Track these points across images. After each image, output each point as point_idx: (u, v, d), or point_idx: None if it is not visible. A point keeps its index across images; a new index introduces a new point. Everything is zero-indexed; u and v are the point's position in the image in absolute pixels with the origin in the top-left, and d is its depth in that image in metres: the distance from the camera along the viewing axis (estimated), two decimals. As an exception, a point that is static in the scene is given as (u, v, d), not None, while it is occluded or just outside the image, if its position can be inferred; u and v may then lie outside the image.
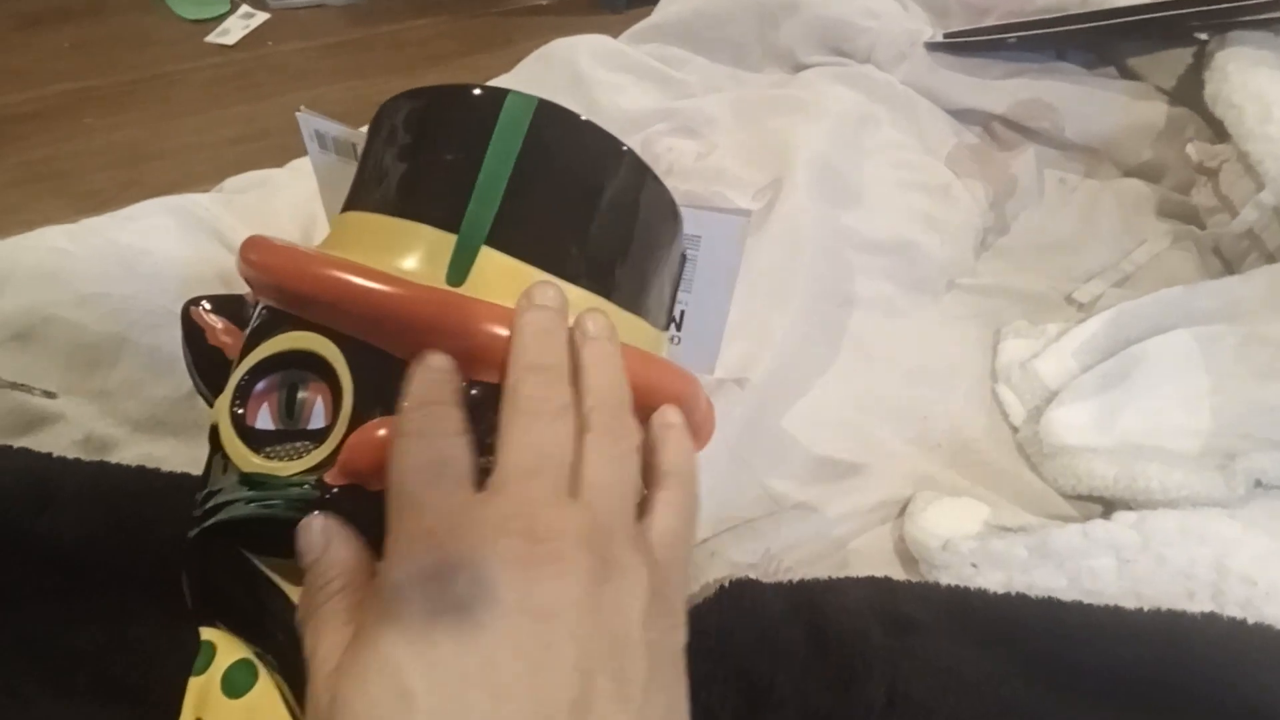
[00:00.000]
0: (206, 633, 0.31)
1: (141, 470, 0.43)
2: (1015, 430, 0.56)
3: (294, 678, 0.29)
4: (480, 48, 1.80)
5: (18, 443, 0.44)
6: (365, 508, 0.28)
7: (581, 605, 0.24)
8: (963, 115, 0.73)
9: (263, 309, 0.33)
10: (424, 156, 0.34)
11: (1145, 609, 0.41)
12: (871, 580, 0.45)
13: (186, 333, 0.36)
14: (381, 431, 0.28)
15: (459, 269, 0.31)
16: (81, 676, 0.37)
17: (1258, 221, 0.59)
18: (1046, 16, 0.72)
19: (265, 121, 1.48)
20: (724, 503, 0.50)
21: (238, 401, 0.32)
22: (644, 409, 0.31)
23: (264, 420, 0.31)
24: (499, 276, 0.31)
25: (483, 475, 0.27)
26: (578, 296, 0.32)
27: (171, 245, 0.54)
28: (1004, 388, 0.57)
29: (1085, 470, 0.50)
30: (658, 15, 0.78)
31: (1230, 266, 0.63)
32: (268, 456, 0.30)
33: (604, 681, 0.23)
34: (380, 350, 0.30)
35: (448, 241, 0.31)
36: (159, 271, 0.52)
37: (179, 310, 0.51)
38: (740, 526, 0.48)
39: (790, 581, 0.44)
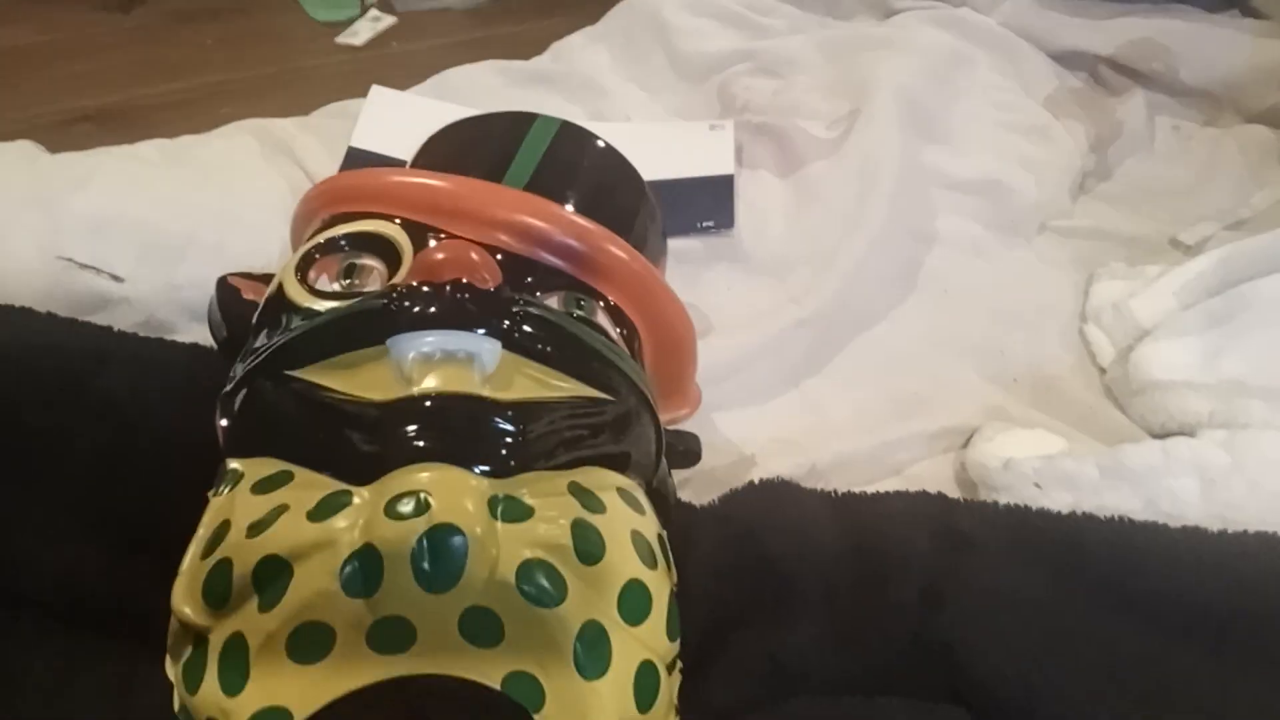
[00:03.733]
0: (232, 463, 0.31)
1: (195, 346, 0.44)
2: (1103, 371, 0.51)
3: (345, 440, 0.29)
4: (596, 50, 1.83)
5: (83, 319, 0.46)
6: (436, 291, 0.30)
7: None
8: (1067, 59, 0.69)
9: (327, 217, 0.38)
10: (470, 149, 0.41)
11: (1233, 531, 0.36)
12: (924, 495, 0.41)
13: (220, 295, 0.39)
14: (446, 247, 0.32)
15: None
16: (120, 524, 0.38)
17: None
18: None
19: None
20: (773, 422, 0.48)
21: (302, 265, 0.35)
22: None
23: (323, 284, 0.34)
24: None
25: None
26: None
27: (249, 160, 0.57)
28: (1093, 327, 0.53)
29: (1178, 406, 0.45)
30: (747, -38, 0.76)
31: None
32: (330, 298, 0.33)
33: None
34: (437, 230, 0.35)
35: None
36: (232, 180, 0.54)
37: (249, 216, 0.53)
38: (784, 440, 0.46)
39: (833, 491, 0.41)
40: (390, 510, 0.25)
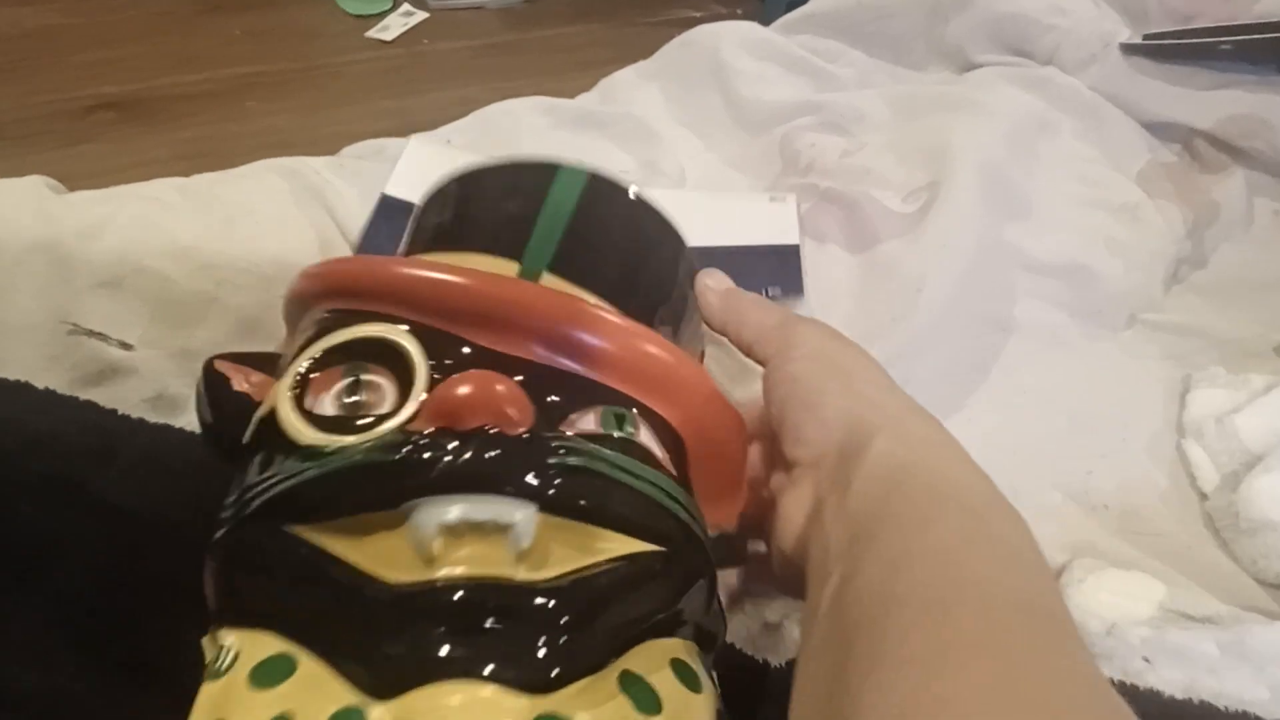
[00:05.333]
0: (225, 636, 0.27)
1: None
2: (1204, 497, 0.46)
3: (353, 631, 0.25)
4: (632, 56, 1.78)
5: (88, 393, 0.42)
6: (459, 444, 0.26)
7: None
8: (1160, 129, 0.64)
9: (324, 314, 0.33)
10: (485, 208, 0.36)
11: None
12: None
13: (207, 386, 0.34)
14: (470, 379, 0.27)
15: (531, 273, 0.33)
16: (115, 648, 0.35)
17: None
18: (1268, 21, 0.62)
19: (413, 116, 1.49)
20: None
21: (297, 386, 0.29)
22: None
23: (323, 408, 0.29)
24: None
25: None
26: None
27: (276, 206, 0.52)
28: (1193, 444, 0.48)
29: (1298, 554, 0.41)
30: (812, 4, 0.72)
31: None
32: (330, 430, 0.28)
33: None
34: (452, 334, 0.30)
35: (510, 267, 0.33)
36: (259, 231, 0.50)
37: (275, 274, 0.49)
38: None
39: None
40: None
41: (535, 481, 0.26)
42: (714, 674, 0.30)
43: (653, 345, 0.32)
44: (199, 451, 0.39)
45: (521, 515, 0.25)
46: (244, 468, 0.30)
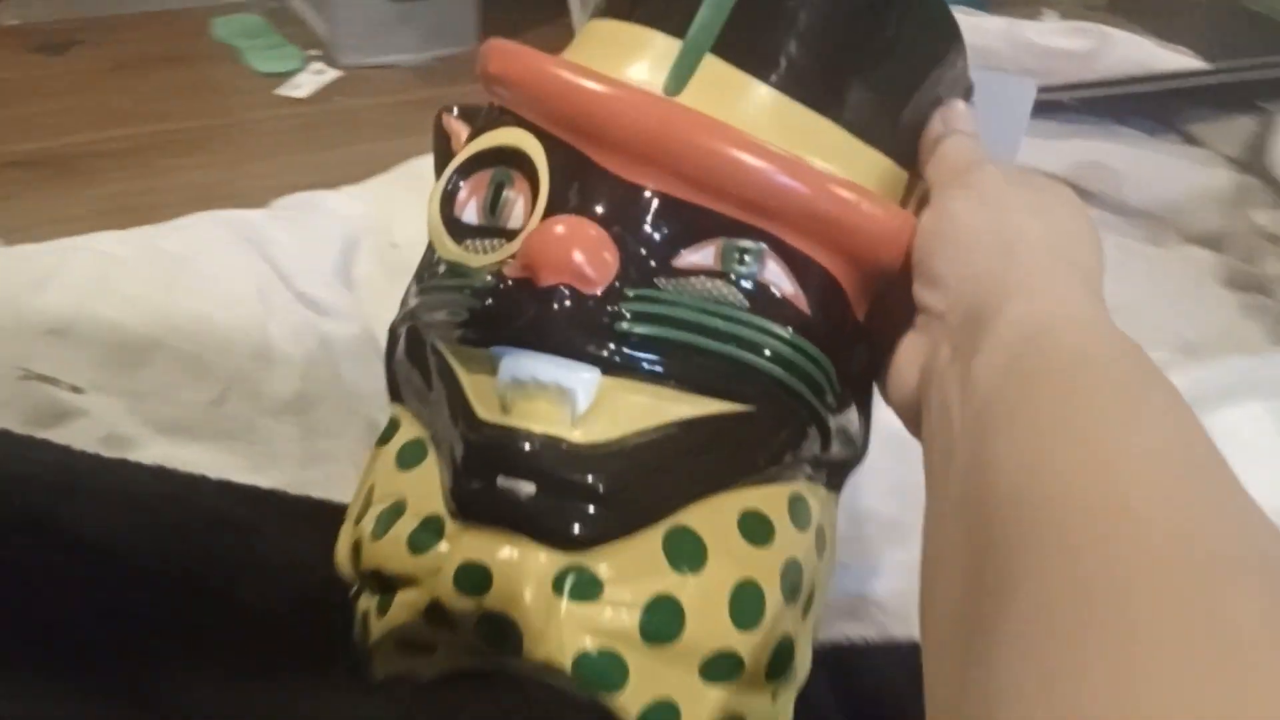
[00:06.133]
0: (394, 409, 0.34)
1: (161, 469, 0.43)
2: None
3: (450, 447, 0.29)
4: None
5: (42, 435, 0.44)
6: (531, 298, 0.27)
7: None
8: (1020, 174, 0.72)
9: (489, 109, 0.34)
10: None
11: None
12: (915, 645, 0.42)
13: (435, 138, 0.37)
14: (559, 228, 0.28)
15: (679, 77, 0.30)
16: (86, 676, 0.36)
17: (1331, 290, 0.57)
18: (1105, 79, 0.71)
19: (331, 171, 1.51)
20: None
21: (447, 190, 0.32)
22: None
23: (469, 214, 0.32)
24: (720, 87, 0.30)
25: None
26: (805, 119, 0.31)
27: (215, 256, 0.55)
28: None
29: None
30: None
31: (1302, 340, 0.60)
32: (467, 249, 0.31)
33: None
34: (581, 154, 0.30)
35: (675, 47, 0.31)
36: (201, 279, 0.53)
37: (218, 317, 0.51)
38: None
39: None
40: (458, 579, 0.27)
41: (597, 345, 0.27)
42: (834, 503, 0.33)
43: (786, 175, 0.28)
44: (153, 481, 0.42)
45: (582, 379, 0.27)
46: (424, 256, 0.34)
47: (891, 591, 0.46)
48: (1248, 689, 0.15)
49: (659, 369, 0.28)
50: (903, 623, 0.44)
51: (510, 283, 0.28)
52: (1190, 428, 0.21)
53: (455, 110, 0.36)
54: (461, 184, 0.32)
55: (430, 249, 0.33)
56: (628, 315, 0.28)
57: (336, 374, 0.50)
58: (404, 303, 0.34)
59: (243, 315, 0.51)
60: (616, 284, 0.28)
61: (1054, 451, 0.20)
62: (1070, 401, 0.21)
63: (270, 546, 0.40)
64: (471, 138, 0.33)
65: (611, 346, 0.28)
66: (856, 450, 0.33)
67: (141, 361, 0.49)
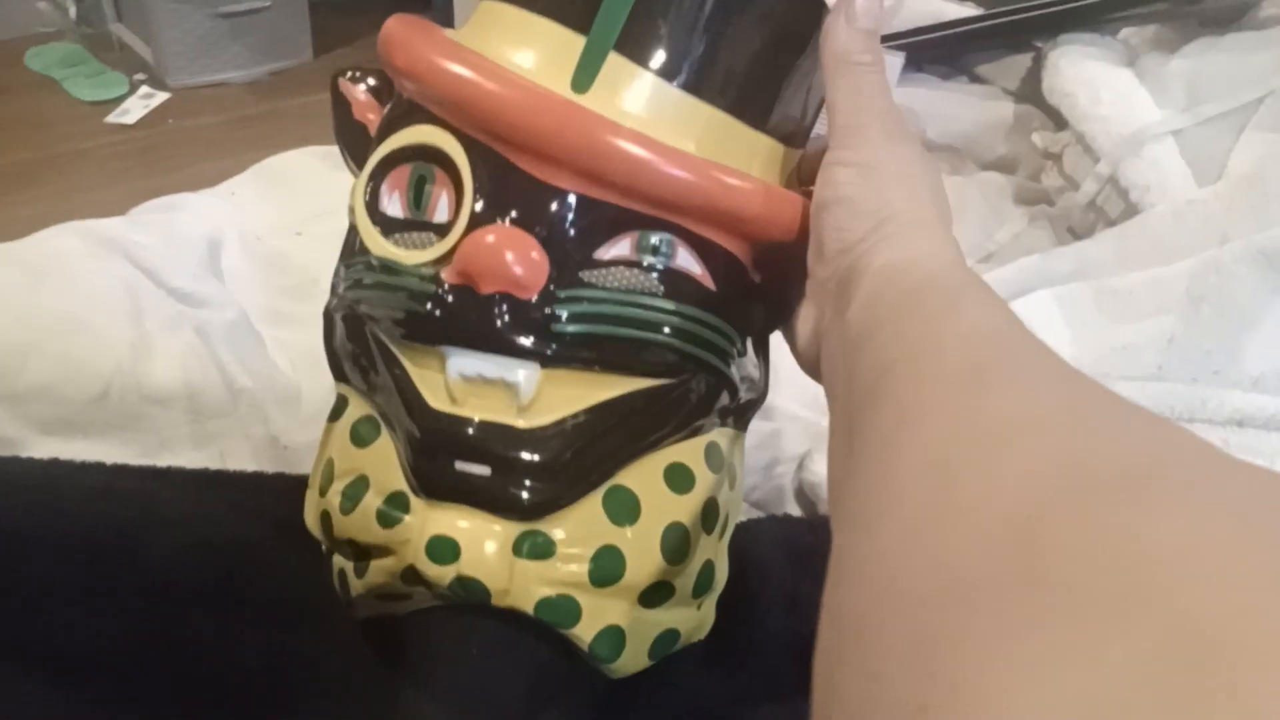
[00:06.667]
0: (340, 387, 0.36)
1: (54, 460, 0.44)
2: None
3: (403, 429, 0.32)
4: (386, 117, 1.84)
5: (-76, 442, 0.44)
6: (474, 305, 0.30)
7: None
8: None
9: (399, 96, 0.34)
10: None
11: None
12: (774, 518, 0.48)
13: (335, 103, 0.38)
14: (490, 238, 0.30)
15: (585, 74, 0.31)
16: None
17: (1099, 193, 0.66)
18: (902, 30, 0.79)
19: (173, 193, 1.48)
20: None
21: (370, 186, 0.34)
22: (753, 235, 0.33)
23: (394, 207, 0.33)
24: (623, 86, 0.31)
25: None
26: (707, 115, 0.32)
27: (79, 260, 0.55)
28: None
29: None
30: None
31: (1081, 239, 0.69)
32: (396, 243, 0.33)
33: None
34: (500, 156, 0.31)
35: (577, 44, 0.31)
36: (65, 283, 0.53)
37: (89, 317, 0.52)
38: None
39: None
40: (430, 550, 0.31)
41: (536, 345, 0.30)
42: (741, 440, 0.37)
43: (682, 169, 0.31)
44: (45, 471, 0.43)
45: (523, 374, 0.31)
46: (346, 240, 0.36)
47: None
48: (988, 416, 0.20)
49: (589, 358, 0.31)
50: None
51: (450, 290, 0.31)
52: (999, 311, 0.26)
53: (352, 74, 0.38)
54: (382, 178, 0.34)
55: (352, 231, 0.35)
56: (561, 316, 0.31)
57: (216, 358, 0.52)
58: (334, 288, 0.36)
59: (115, 312, 0.52)
60: (549, 286, 0.31)
61: (891, 352, 0.25)
62: (910, 315, 0.26)
63: (171, 509, 0.41)
64: (386, 129, 0.34)
65: (548, 345, 0.31)
66: (759, 393, 0.37)
67: (16, 367, 0.49)
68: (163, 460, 0.47)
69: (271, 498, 0.44)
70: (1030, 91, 0.77)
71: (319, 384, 0.53)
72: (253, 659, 0.38)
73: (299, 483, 0.39)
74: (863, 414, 0.24)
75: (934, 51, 0.81)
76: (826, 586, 0.22)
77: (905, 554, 0.19)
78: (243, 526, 0.43)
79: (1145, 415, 0.20)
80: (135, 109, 1.77)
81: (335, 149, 0.74)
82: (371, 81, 0.38)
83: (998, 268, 0.64)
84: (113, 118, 1.73)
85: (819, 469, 0.51)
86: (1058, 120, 0.72)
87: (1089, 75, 0.68)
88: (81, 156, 1.66)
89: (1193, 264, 0.56)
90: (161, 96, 1.80)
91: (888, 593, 0.18)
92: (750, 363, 0.36)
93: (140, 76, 1.77)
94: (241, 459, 0.49)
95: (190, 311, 0.54)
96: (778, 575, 0.43)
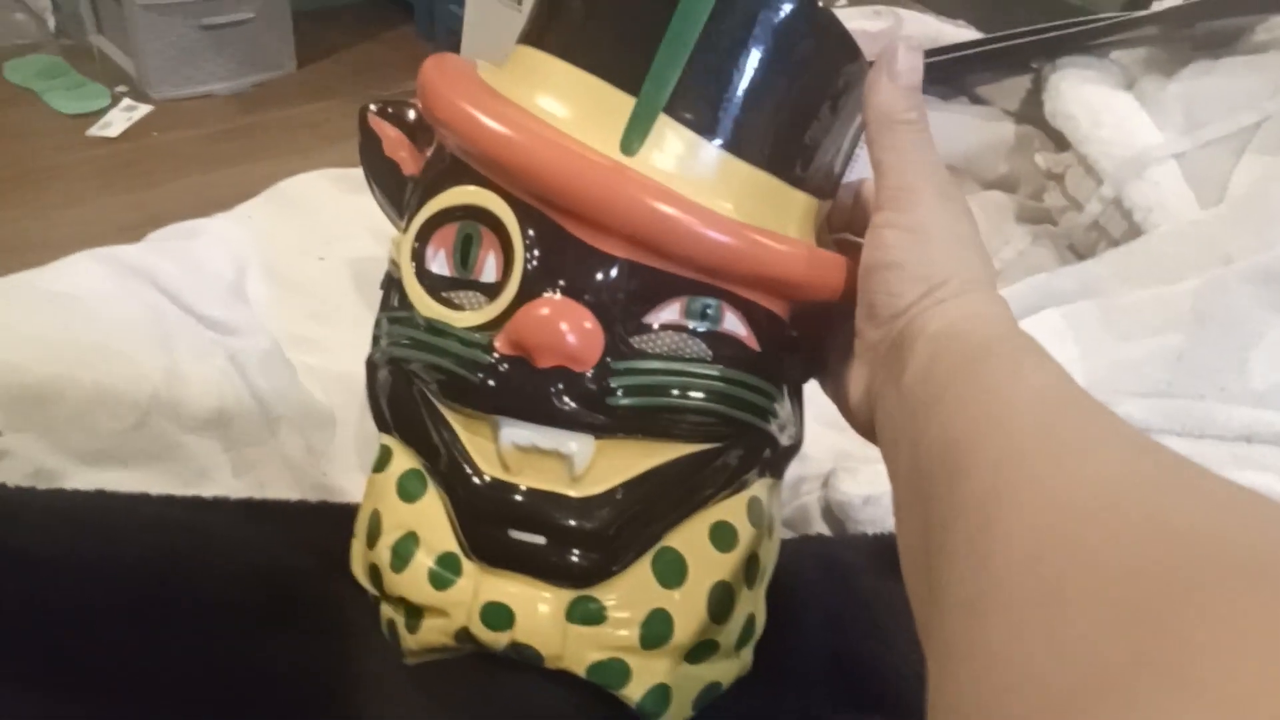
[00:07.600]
0: (384, 439, 0.36)
1: (100, 492, 0.44)
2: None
3: (454, 492, 0.33)
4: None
5: (-33, 478, 0.44)
6: (530, 379, 0.30)
7: None
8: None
9: (440, 147, 0.35)
10: (611, 6, 0.32)
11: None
12: (805, 537, 0.49)
13: (363, 137, 0.37)
14: (545, 310, 0.30)
15: (634, 137, 0.31)
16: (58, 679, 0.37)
17: (1102, 213, 0.68)
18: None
19: (157, 208, 1.47)
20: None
21: (417, 244, 0.34)
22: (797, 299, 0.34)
23: (439, 265, 0.34)
24: (668, 146, 0.31)
25: None
26: (746, 173, 0.32)
27: (102, 288, 0.55)
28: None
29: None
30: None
31: (1083, 257, 0.71)
32: (444, 302, 0.33)
33: None
34: (550, 220, 0.31)
35: (623, 103, 0.31)
36: (93, 312, 0.53)
37: (120, 346, 0.52)
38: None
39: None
40: (484, 616, 0.32)
41: (591, 418, 0.31)
42: (779, 488, 0.37)
43: (732, 237, 0.30)
44: (93, 504, 0.43)
45: (577, 445, 0.31)
46: (385, 285, 0.36)
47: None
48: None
49: (641, 429, 0.32)
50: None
51: (504, 360, 0.31)
52: (1058, 374, 0.26)
53: (374, 108, 0.38)
54: (429, 236, 0.34)
55: (391, 282, 0.35)
56: (616, 390, 0.31)
57: (251, 386, 0.52)
58: (376, 339, 0.36)
59: (145, 340, 0.52)
60: (604, 358, 0.31)
61: (961, 423, 0.25)
62: (973, 383, 0.26)
63: (223, 541, 0.42)
64: (431, 187, 0.34)
65: (602, 418, 0.31)
66: (796, 441, 0.37)
67: (52, 398, 0.49)
68: (203, 489, 0.47)
69: (317, 527, 0.45)
70: (1031, 112, 0.79)
71: (352, 411, 0.54)
72: (304, 683, 0.39)
73: (342, 512, 0.39)
74: (937, 488, 0.24)
75: (933, 73, 0.83)
76: (931, 669, 0.22)
77: (1024, 640, 0.18)
78: (290, 555, 0.43)
79: (1220, 480, 0.20)
80: (118, 121, 1.76)
81: (347, 172, 0.74)
82: (407, 116, 0.38)
83: (1004, 286, 0.65)
84: (95, 130, 1.72)
85: (845, 487, 0.52)
86: (1059, 141, 0.74)
87: (1089, 98, 0.70)
88: (62, 172, 1.64)
89: (1197, 283, 0.59)
90: (144, 109, 1.79)
91: (1012, 682, 0.18)
92: (786, 410, 0.36)
93: (122, 89, 1.75)
94: (281, 487, 0.49)
95: (221, 339, 0.55)
96: (816, 595, 0.44)
